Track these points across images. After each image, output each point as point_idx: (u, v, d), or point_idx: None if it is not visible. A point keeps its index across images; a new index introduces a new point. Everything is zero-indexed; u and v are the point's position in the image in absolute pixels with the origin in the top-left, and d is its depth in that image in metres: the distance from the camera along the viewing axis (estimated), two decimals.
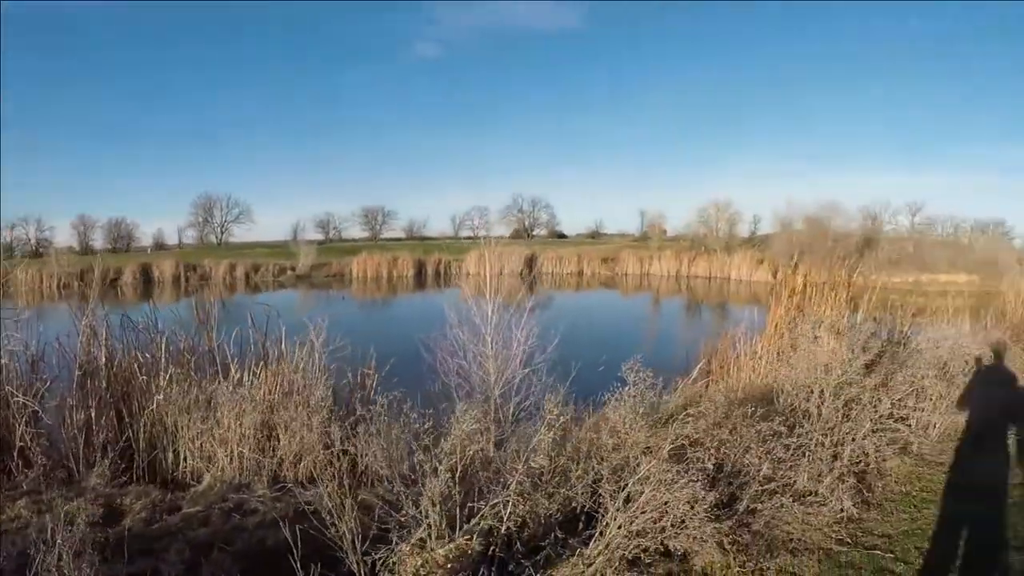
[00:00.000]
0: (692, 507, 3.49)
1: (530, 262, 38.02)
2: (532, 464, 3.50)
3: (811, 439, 4.94)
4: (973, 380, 7.79)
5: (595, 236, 68.03)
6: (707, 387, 7.02)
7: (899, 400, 6.05)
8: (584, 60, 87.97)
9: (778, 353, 7.49)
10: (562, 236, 68.05)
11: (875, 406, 5.53)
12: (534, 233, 68.00)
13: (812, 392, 5.53)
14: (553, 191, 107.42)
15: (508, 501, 3.22)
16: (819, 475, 4.61)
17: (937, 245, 39.92)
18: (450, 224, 70.40)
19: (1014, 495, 4.97)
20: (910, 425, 6.07)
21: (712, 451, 4.15)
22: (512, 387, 4.72)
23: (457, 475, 3.21)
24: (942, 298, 11.39)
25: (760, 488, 4.30)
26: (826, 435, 5.07)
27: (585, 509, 3.62)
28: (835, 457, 4.91)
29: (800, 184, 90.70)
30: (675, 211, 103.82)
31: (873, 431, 5.37)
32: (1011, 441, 6.28)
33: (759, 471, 4.28)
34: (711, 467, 4.00)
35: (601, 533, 3.38)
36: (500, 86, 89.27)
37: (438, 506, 3.07)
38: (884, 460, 5.39)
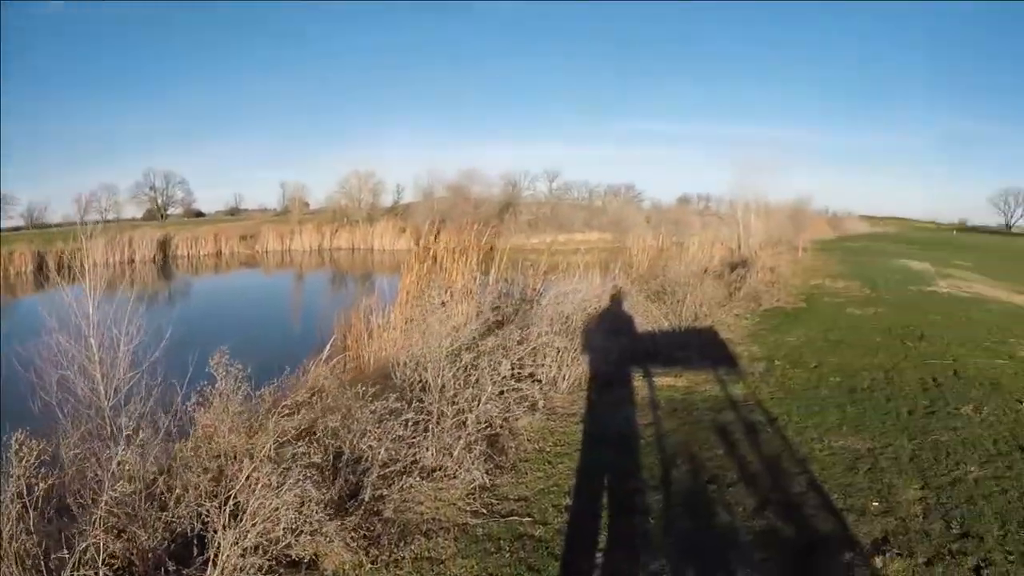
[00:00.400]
0: (305, 508, 4.64)
1: (164, 246, 46.16)
2: (113, 492, 4.22)
3: (433, 411, 6.67)
4: (600, 329, 10.90)
5: (234, 213, 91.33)
6: (344, 365, 8.86)
7: (519, 359, 8.29)
8: (224, 27, 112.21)
9: (408, 322, 9.78)
10: (200, 215, 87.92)
11: (495, 368, 7.47)
12: (169, 213, 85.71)
13: (429, 361, 7.29)
14: (189, 165, 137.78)
15: (96, 542, 3.91)
16: (447, 447, 6.28)
17: (573, 208, 63.67)
18: (76, 208, 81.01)
19: (645, 436, 7.38)
20: (540, 381, 8.49)
21: (322, 441, 5.47)
22: (121, 396, 5.63)
23: (32, 521, 3.85)
24: (575, 255, 16.18)
25: (383, 472, 5.72)
26: (449, 404, 6.81)
27: (196, 532, 4.54)
28: (461, 426, 6.61)
29: (444, 154, 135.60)
30: (320, 184, 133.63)
31: (499, 393, 7.30)
32: (637, 383, 9.23)
33: (378, 454, 5.68)
34: (322, 460, 5.27)
35: (215, 556, 4.26)
36: (130, 48, 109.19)
37: (17, 564, 3.69)
38: (516, 420, 7.49)
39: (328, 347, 8.84)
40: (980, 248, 59.35)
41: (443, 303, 9.20)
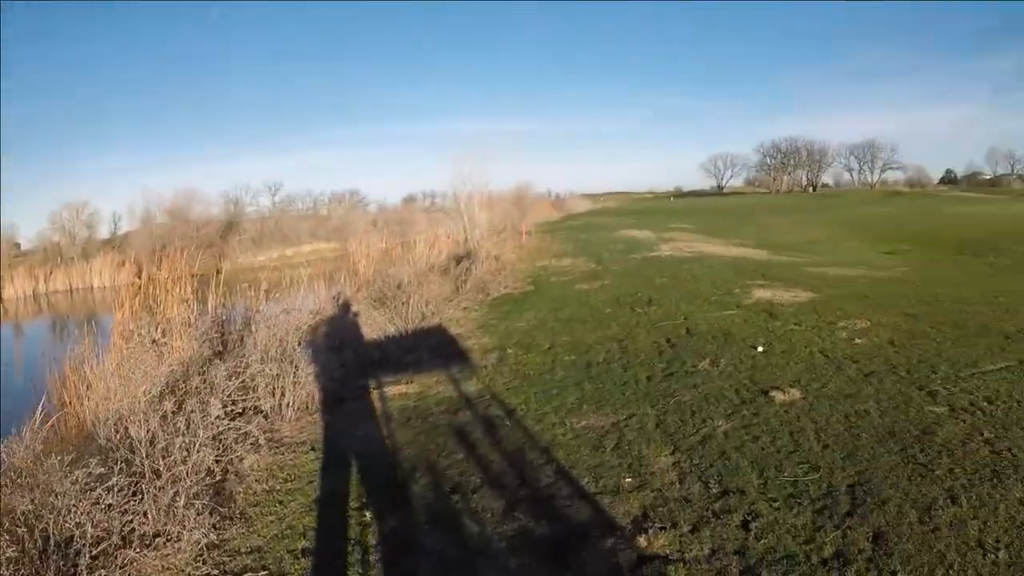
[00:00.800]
0: None
1: None
2: None
3: (144, 470, 6.05)
4: (324, 345, 10.53)
5: None
6: (63, 425, 8.24)
7: (229, 396, 7.72)
8: None
9: (118, 367, 8.84)
10: None
11: (205, 409, 6.96)
12: None
13: (132, 413, 6.72)
14: None
15: None
16: (167, 508, 5.66)
17: (299, 219, 64.15)
18: None
19: (380, 452, 6.99)
20: (264, 412, 8.00)
21: (17, 529, 4.85)
22: None
23: None
24: (296, 269, 15.65)
25: (97, 550, 5.07)
26: (161, 459, 6.22)
27: None
28: (177, 480, 6.02)
29: (162, 175, 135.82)
30: (33, 220, 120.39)
31: (215, 436, 6.78)
32: (367, 397, 8.86)
33: (87, 531, 5.04)
34: (22, 551, 4.74)
35: None
36: None
37: None
38: (241, 461, 6.91)
39: (40, 409, 7.84)
40: (697, 210, 64.99)
41: (154, 341, 8.66)
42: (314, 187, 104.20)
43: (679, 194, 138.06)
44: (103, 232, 63.41)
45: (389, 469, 6.63)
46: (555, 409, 7.62)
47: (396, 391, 9.09)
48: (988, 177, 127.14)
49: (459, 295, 16.72)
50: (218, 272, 11.91)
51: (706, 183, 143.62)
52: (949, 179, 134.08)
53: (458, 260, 21.24)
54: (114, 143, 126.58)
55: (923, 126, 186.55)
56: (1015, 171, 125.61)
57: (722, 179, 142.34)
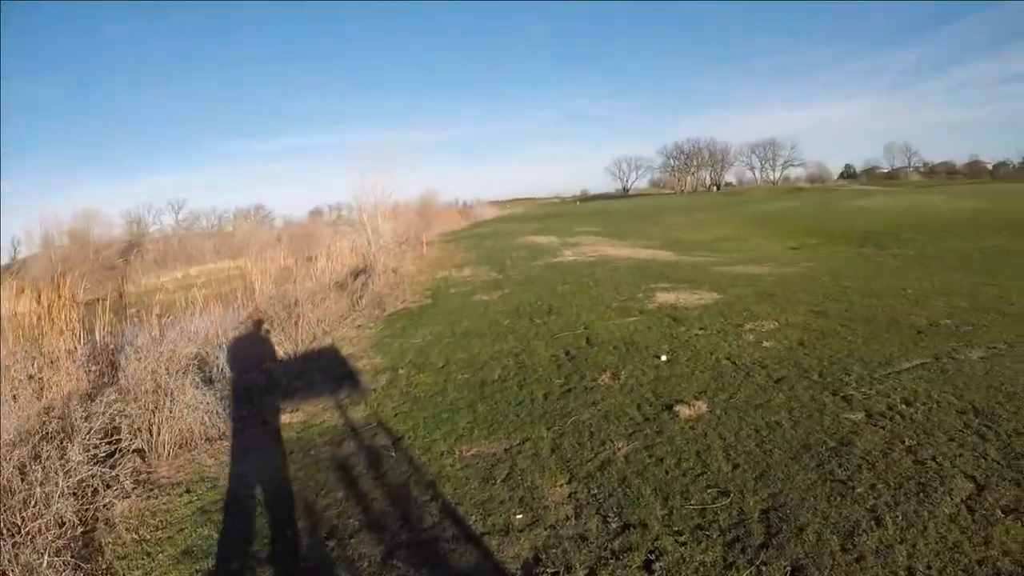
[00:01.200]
0: None
1: None
2: None
3: (1, 524, 5.55)
4: (207, 373, 10.09)
5: None
6: None
7: (88, 437, 7.06)
8: None
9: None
10: None
11: (63, 455, 6.45)
12: None
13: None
14: None
15: None
16: (27, 567, 5.21)
17: (203, 237, 63.27)
18: None
19: (258, 493, 6.51)
20: (141, 451, 7.49)
21: None
22: None
23: None
24: (194, 290, 14.96)
25: None
26: (20, 512, 5.74)
27: None
28: (38, 534, 5.57)
29: (67, 196, 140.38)
30: None
31: (80, 482, 6.32)
32: (250, 430, 8.32)
33: None
34: None
35: None
36: None
37: None
38: (110, 508, 6.38)
39: None
40: (603, 213, 65.50)
41: (30, 376, 8.13)
42: (219, 204, 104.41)
43: (585, 197, 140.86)
44: (4, 258, 61.77)
45: (265, 511, 6.17)
46: (445, 435, 7.24)
47: (281, 421, 8.62)
48: (886, 170, 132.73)
49: (355, 312, 16.28)
50: (120, 295, 11.13)
51: (612, 186, 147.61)
52: (848, 174, 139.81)
53: (356, 274, 20.70)
54: (12, 166, 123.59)
55: (822, 123, 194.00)
56: (911, 164, 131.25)
57: (627, 181, 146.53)
